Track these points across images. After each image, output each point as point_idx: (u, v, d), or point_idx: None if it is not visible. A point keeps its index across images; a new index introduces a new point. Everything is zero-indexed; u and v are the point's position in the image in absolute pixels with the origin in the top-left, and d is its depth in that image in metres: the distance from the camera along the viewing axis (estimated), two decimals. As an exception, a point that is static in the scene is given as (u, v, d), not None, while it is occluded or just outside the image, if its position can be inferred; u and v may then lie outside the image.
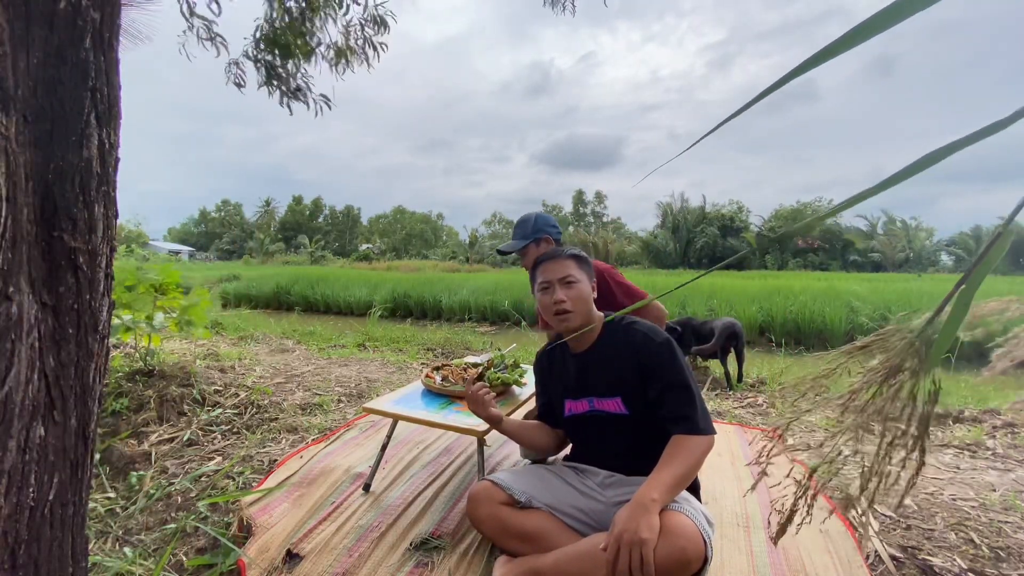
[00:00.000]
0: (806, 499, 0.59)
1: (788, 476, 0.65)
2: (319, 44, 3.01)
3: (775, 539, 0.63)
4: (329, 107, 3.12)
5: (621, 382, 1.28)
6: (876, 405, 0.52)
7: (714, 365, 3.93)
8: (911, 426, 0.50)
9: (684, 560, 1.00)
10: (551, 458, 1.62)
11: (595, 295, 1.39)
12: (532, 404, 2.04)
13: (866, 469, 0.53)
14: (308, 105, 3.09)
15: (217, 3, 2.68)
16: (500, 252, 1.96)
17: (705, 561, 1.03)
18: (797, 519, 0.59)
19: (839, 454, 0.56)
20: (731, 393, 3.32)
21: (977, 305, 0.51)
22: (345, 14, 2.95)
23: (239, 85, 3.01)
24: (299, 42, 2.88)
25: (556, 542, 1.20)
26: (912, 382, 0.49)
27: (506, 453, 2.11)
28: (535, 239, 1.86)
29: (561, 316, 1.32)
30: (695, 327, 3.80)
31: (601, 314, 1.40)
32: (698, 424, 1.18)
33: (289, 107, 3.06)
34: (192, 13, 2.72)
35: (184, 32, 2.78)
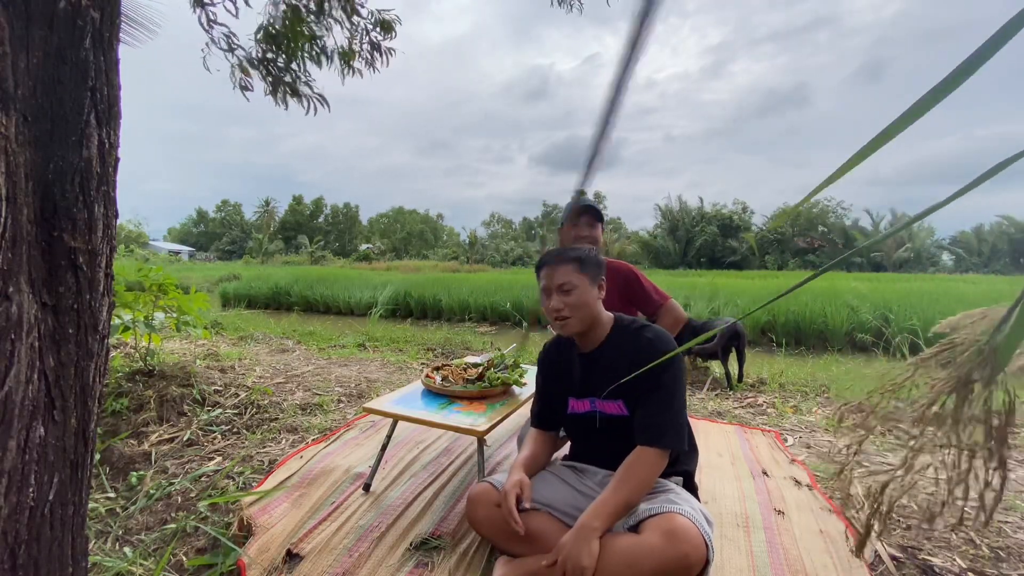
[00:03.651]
0: (879, 515, 0.57)
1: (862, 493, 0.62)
2: (324, 48, 3.00)
3: (857, 552, 0.62)
4: (327, 107, 3.09)
5: (626, 384, 1.26)
6: (949, 418, 0.50)
7: (714, 365, 3.93)
8: (989, 439, 0.48)
9: (686, 565, 1.00)
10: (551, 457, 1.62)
11: (602, 295, 1.36)
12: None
13: (944, 484, 0.52)
14: (303, 104, 3.08)
15: (234, 3, 2.64)
16: (585, 207, 1.84)
17: (706, 564, 1.03)
18: (875, 531, 0.58)
19: (911, 468, 0.54)
20: (731, 393, 3.32)
21: (998, 308, 0.50)
22: (350, 17, 2.93)
23: (245, 89, 2.99)
24: (304, 45, 2.87)
25: (556, 543, 1.20)
26: (985, 393, 0.48)
27: (506, 453, 2.11)
28: (603, 224, 1.85)
29: (560, 322, 1.32)
30: (695, 328, 3.79)
31: (610, 315, 1.38)
32: (662, 435, 1.17)
33: (285, 102, 3.04)
34: (212, 23, 2.69)
35: (207, 45, 2.76)
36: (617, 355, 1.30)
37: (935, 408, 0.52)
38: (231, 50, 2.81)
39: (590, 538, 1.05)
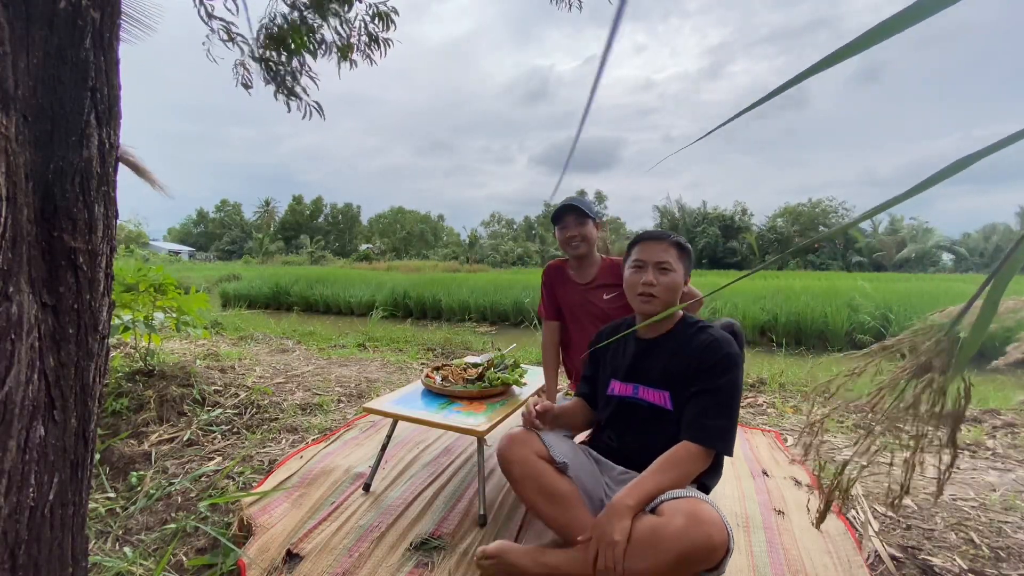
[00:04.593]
0: (840, 491, 0.64)
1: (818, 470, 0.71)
2: (323, 42, 3.00)
3: (817, 523, 0.69)
4: (321, 115, 3.11)
5: (675, 378, 1.27)
6: (905, 403, 0.54)
7: None
8: (941, 424, 0.51)
9: (711, 545, 1.00)
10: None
11: (687, 288, 1.36)
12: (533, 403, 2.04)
13: (899, 464, 0.56)
14: (300, 109, 3.08)
15: (235, 1, 2.66)
16: (565, 208, 1.88)
17: (727, 552, 1.03)
18: (835, 505, 0.67)
19: (868, 450, 0.58)
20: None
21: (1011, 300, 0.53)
22: (348, 10, 2.94)
23: (247, 86, 3.00)
24: (303, 39, 2.88)
25: (575, 513, 1.22)
26: (941, 380, 0.51)
27: (506, 453, 2.11)
28: (594, 219, 1.89)
29: (644, 298, 1.30)
30: None
31: (679, 312, 1.37)
32: (714, 437, 1.17)
33: (287, 104, 3.06)
34: (211, 16, 2.71)
35: (208, 36, 2.78)
36: (676, 347, 1.30)
37: (894, 393, 0.56)
38: (231, 39, 2.81)
39: (623, 516, 1.07)
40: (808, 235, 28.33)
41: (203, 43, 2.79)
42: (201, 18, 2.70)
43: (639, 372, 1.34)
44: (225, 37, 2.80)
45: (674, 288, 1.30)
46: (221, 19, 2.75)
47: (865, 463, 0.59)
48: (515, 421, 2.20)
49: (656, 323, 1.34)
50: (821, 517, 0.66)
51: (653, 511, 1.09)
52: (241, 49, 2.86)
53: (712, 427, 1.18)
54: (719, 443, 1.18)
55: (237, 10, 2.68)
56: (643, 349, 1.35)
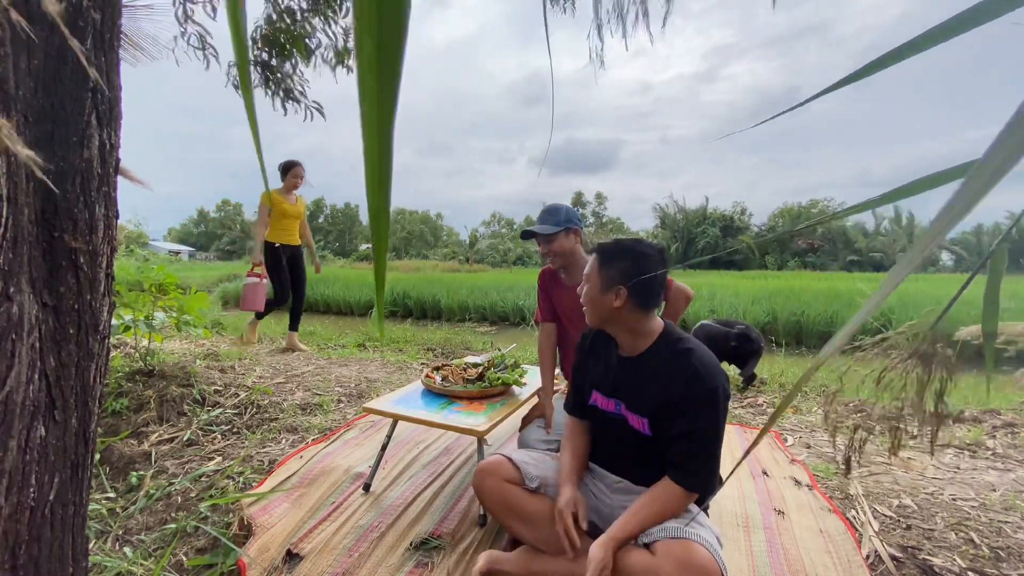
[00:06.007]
0: (855, 448, 0.80)
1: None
2: (318, 46, 3.01)
3: (845, 472, 0.77)
4: (322, 115, 3.11)
5: (656, 406, 1.21)
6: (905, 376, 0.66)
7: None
8: (932, 392, 0.64)
9: None
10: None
11: (618, 303, 1.23)
12: (533, 403, 2.04)
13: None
14: (299, 110, 3.08)
15: (212, 5, 2.66)
16: (526, 234, 1.86)
17: None
18: (855, 460, 0.84)
19: (872, 415, 0.73)
20: (732, 393, 3.32)
21: (1012, 325, 0.62)
22: (344, 16, 2.94)
23: (238, 87, 3.00)
24: (298, 43, 2.88)
25: (553, 529, 1.21)
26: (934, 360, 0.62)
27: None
28: (566, 228, 1.85)
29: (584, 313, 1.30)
30: (715, 330, 3.71)
31: (660, 324, 1.27)
32: (691, 479, 1.14)
33: (284, 107, 3.06)
34: (187, 19, 2.69)
35: (175, 38, 2.76)
36: (658, 371, 1.21)
37: (891, 372, 0.69)
38: (203, 48, 2.80)
39: (606, 547, 1.09)
40: (807, 237, 28.33)
41: (172, 42, 2.75)
42: (177, 18, 2.67)
43: (620, 390, 1.28)
44: (197, 45, 2.78)
45: (587, 302, 1.26)
46: (199, 24, 2.72)
47: (870, 428, 0.72)
48: (515, 421, 2.20)
49: (630, 342, 1.27)
50: (847, 468, 0.87)
51: (648, 547, 1.07)
52: (209, 62, 2.84)
53: (695, 471, 1.15)
54: (701, 488, 1.15)
55: (215, 13, 2.66)
56: (625, 366, 1.28)
